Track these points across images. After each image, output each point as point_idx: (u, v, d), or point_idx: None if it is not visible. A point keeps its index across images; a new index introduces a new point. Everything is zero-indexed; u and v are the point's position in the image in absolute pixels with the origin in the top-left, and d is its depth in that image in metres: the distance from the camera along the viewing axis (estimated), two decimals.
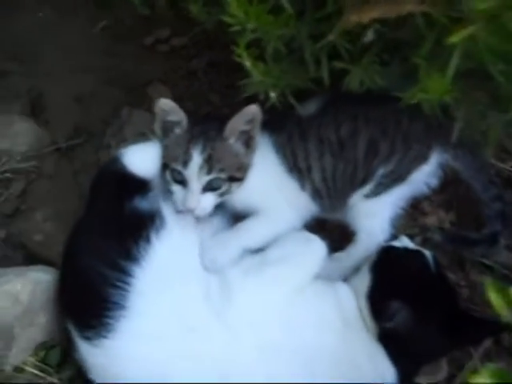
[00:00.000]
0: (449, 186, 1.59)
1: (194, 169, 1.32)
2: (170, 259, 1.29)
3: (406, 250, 1.38)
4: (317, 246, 1.36)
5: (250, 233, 1.39)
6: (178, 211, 1.36)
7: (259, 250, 1.38)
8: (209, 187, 1.34)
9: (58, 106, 1.83)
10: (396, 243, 1.41)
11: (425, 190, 1.47)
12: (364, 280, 1.34)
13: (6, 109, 1.78)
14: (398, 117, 1.40)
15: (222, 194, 1.36)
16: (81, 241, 1.35)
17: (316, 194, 1.44)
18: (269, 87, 1.27)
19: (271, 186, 1.42)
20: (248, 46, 1.24)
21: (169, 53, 1.90)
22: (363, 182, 1.42)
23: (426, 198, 1.59)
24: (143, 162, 1.41)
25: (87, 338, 1.24)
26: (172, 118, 1.38)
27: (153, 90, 1.81)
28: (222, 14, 1.34)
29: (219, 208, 1.41)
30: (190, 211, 1.34)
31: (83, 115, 1.81)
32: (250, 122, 1.34)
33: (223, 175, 1.34)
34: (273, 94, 1.29)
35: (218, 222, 1.42)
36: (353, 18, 1.07)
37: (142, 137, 1.62)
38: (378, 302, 1.29)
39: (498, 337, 1.42)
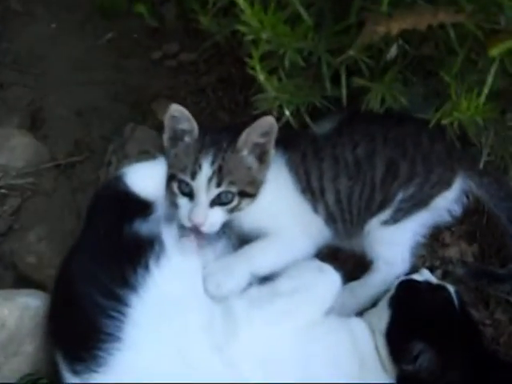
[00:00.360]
0: (472, 216, 1.51)
1: (203, 180, 1.25)
2: (170, 288, 1.19)
3: (428, 284, 1.29)
4: (331, 277, 1.26)
5: (259, 257, 1.30)
6: (183, 229, 1.28)
7: (267, 280, 1.27)
8: (218, 201, 1.27)
9: (59, 121, 1.75)
10: (417, 276, 1.30)
11: (447, 217, 1.39)
12: (382, 316, 1.24)
13: (4, 121, 1.71)
14: (419, 138, 1.33)
15: (231, 210, 1.29)
16: (75, 265, 1.25)
17: (330, 218, 1.35)
18: (283, 103, 1.18)
19: (283, 207, 1.34)
20: (262, 59, 1.16)
21: (177, 68, 1.82)
22: (381, 207, 1.33)
23: (447, 228, 1.50)
24: (147, 182, 1.33)
25: (76, 372, 1.14)
26: (183, 126, 1.31)
27: (158, 106, 1.73)
28: (234, 24, 1.27)
29: (224, 232, 1.32)
30: (196, 226, 1.26)
31: (85, 131, 1.73)
32: (266, 134, 1.27)
33: (234, 189, 1.27)
34: (287, 112, 1.20)
35: (222, 246, 1.32)
36: (380, 29, 0.98)
37: (145, 155, 1.54)
38: (398, 342, 1.19)
39: None
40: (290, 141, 1.36)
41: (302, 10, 1.07)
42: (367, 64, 1.18)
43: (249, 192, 1.29)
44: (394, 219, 1.33)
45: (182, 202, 1.29)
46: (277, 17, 1.01)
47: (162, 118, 1.70)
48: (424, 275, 1.31)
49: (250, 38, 1.03)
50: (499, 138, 1.30)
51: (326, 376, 1.15)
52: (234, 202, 1.28)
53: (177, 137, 1.32)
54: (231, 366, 1.12)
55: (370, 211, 1.34)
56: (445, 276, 1.44)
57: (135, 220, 1.25)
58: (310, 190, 1.34)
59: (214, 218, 1.27)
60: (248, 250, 1.31)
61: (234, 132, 1.29)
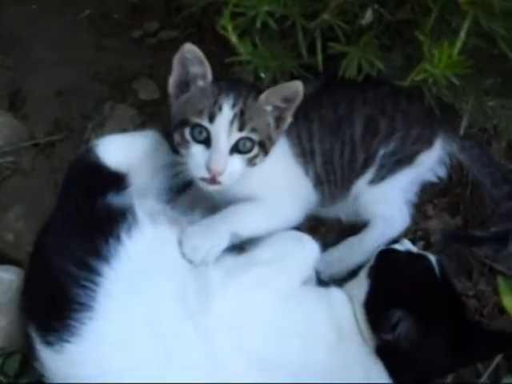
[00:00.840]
0: (455, 188, 1.50)
1: (224, 124, 1.16)
2: (142, 259, 1.16)
3: (408, 253, 1.26)
4: (309, 246, 1.24)
5: (244, 217, 1.26)
6: (158, 201, 1.25)
7: (243, 250, 1.24)
8: (237, 149, 1.19)
9: (39, 101, 1.73)
10: (397, 246, 1.28)
11: (433, 178, 1.40)
12: (361, 286, 1.22)
13: None
14: (397, 98, 1.33)
15: (249, 161, 1.21)
16: (48, 237, 1.23)
17: (317, 181, 1.34)
18: (259, 67, 1.16)
19: (279, 173, 1.31)
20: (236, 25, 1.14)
21: (157, 46, 1.80)
22: (364, 166, 1.33)
23: (430, 200, 1.49)
24: (119, 154, 1.29)
25: (49, 343, 1.11)
26: (195, 69, 1.22)
27: (138, 85, 1.72)
28: None
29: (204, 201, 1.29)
30: (214, 176, 1.17)
31: (64, 110, 1.71)
32: (288, 100, 1.20)
33: (255, 136, 1.19)
34: (263, 75, 1.18)
35: (198, 216, 1.29)
36: None
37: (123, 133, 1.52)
38: (377, 311, 1.17)
39: (509, 352, 1.28)
40: None
41: None
42: (343, 29, 1.17)
43: (267, 146, 1.22)
44: (379, 177, 1.33)
45: (197, 150, 1.19)
46: None
47: (143, 96, 1.71)
48: (405, 245, 1.29)
49: None
50: (480, 108, 1.29)
51: (302, 345, 1.13)
52: (254, 152, 1.20)
53: (188, 80, 1.23)
54: (205, 334, 1.09)
55: (354, 171, 1.34)
56: (427, 247, 1.42)
57: (107, 192, 1.22)
58: (303, 152, 1.32)
59: (234, 167, 1.19)
60: (232, 210, 1.26)
61: (250, 87, 1.24)
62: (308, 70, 1.27)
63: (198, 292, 1.14)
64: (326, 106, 1.33)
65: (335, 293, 1.24)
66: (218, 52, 1.70)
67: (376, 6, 1.17)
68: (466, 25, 0.93)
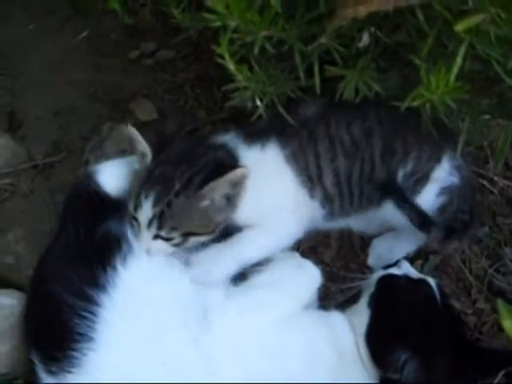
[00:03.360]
0: None
1: (143, 219, 1.15)
2: (140, 287, 1.16)
3: (408, 280, 1.25)
4: (310, 272, 1.24)
5: (247, 244, 1.25)
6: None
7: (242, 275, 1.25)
8: (159, 237, 1.17)
9: (37, 122, 1.73)
10: (395, 270, 1.28)
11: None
12: (362, 315, 1.21)
13: None
14: (405, 116, 1.26)
15: (176, 245, 1.19)
16: (48, 265, 1.24)
17: (327, 200, 1.31)
18: (256, 94, 1.17)
19: (280, 202, 1.29)
20: (233, 52, 1.15)
21: (154, 67, 1.81)
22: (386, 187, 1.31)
23: None
24: (118, 181, 1.29)
25: (52, 373, 1.11)
26: (139, 147, 1.20)
27: (136, 105, 1.72)
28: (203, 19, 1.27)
29: None
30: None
31: (63, 131, 1.71)
32: (236, 184, 1.16)
33: (175, 234, 1.16)
34: (259, 103, 1.18)
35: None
36: (348, 13, 0.97)
37: (122, 154, 1.52)
38: (380, 347, 1.16)
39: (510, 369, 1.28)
40: (283, 130, 1.29)
41: None
42: (340, 52, 1.18)
43: (198, 233, 1.18)
44: None
45: (134, 222, 1.19)
46: (244, 3, 1.00)
47: (141, 117, 1.72)
48: (403, 268, 1.29)
49: (217, 24, 1.02)
50: (476, 126, 1.30)
51: (302, 369, 1.13)
52: (175, 241, 1.17)
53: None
54: (206, 357, 1.10)
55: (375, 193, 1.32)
56: (423, 263, 1.42)
57: (106, 219, 1.22)
58: (309, 176, 1.29)
59: (158, 248, 1.18)
60: (237, 237, 1.26)
61: (202, 163, 1.18)
62: (305, 92, 1.27)
63: (199, 315, 1.14)
64: (336, 126, 1.30)
65: (336, 317, 1.23)
66: (215, 72, 1.72)
67: (373, 29, 1.18)
68: (462, 50, 0.94)
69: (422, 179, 1.32)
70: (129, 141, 1.24)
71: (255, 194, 1.23)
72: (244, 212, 1.25)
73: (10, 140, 1.66)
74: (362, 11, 0.98)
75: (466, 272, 1.45)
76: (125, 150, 1.57)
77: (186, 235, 1.17)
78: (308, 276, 1.24)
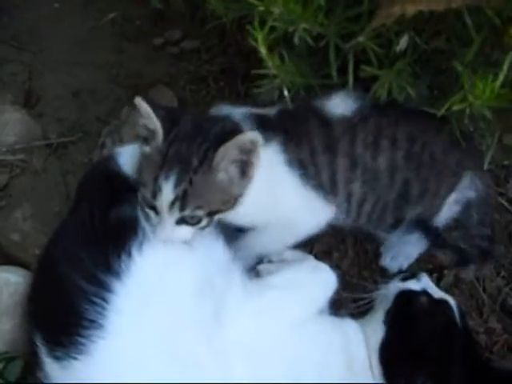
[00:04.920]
0: None
1: (165, 204, 1.08)
2: (154, 276, 1.11)
3: (428, 299, 1.21)
4: (326, 276, 1.22)
5: (263, 241, 1.25)
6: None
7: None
8: (184, 221, 1.12)
9: (55, 100, 1.71)
10: (415, 285, 1.24)
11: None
12: (377, 329, 1.19)
13: None
14: (433, 149, 1.23)
15: (201, 228, 1.14)
16: (60, 246, 1.19)
17: (340, 207, 1.26)
18: (285, 83, 1.14)
19: (289, 200, 1.23)
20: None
21: (178, 55, 1.78)
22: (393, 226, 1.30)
23: None
24: None
25: (56, 358, 1.07)
26: (149, 124, 1.11)
27: (156, 92, 1.69)
28: (241, 9, 1.24)
29: None
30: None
31: (80, 112, 1.69)
32: (247, 151, 1.09)
33: (200, 212, 1.10)
34: (286, 93, 1.15)
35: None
36: (395, 10, 0.95)
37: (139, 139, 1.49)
38: (394, 366, 1.14)
39: None
40: (292, 132, 1.21)
41: None
42: (376, 53, 1.16)
43: (221, 210, 1.13)
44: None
45: (150, 212, 1.13)
46: None
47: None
48: (423, 282, 1.24)
49: (259, 9, 0.99)
50: (501, 144, 1.28)
51: (312, 374, 1.10)
52: (203, 223, 1.13)
53: (147, 135, 1.14)
54: (218, 355, 1.06)
55: (382, 224, 1.29)
56: (440, 278, 1.40)
57: (123, 203, 1.18)
58: (320, 185, 1.22)
59: (181, 235, 1.13)
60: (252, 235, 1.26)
61: (210, 136, 1.10)
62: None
63: (214, 313, 1.10)
64: (363, 149, 1.20)
65: (351, 326, 1.21)
66: (239, 65, 1.70)
67: (412, 34, 1.16)
68: (508, 59, 0.92)
69: (430, 216, 1.29)
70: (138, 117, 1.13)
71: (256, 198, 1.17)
72: (246, 216, 1.21)
73: (26, 115, 1.64)
74: (410, 9, 0.95)
75: (480, 290, 1.42)
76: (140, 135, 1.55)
77: (210, 214, 1.12)
78: (324, 280, 1.22)
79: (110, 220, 1.16)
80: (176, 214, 1.10)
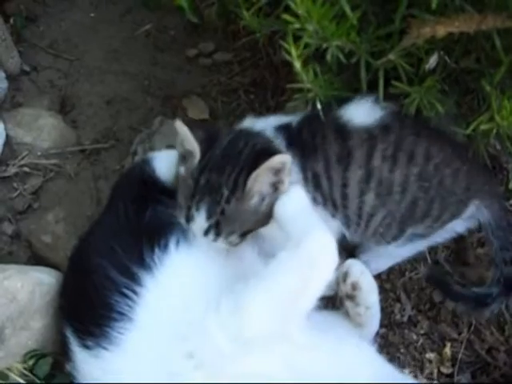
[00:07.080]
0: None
1: (198, 230, 1.12)
2: (187, 274, 1.14)
3: None
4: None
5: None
6: None
7: None
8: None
9: (89, 108, 1.76)
10: None
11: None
12: None
13: (35, 102, 1.72)
14: (444, 173, 1.20)
15: (234, 245, 1.16)
16: (94, 238, 1.23)
17: (346, 223, 1.25)
18: (318, 97, 1.16)
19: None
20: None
21: (210, 67, 1.82)
22: (394, 239, 1.27)
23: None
24: (173, 171, 1.27)
25: (86, 347, 1.10)
26: (187, 145, 1.14)
27: (188, 103, 1.73)
28: (275, 24, 1.28)
29: None
30: None
31: (113, 120, 1.73)
32: (278, 172, 1.10)
33: (234, 237, 1.13)
34: (319, 105, 1.18)
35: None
36: (426, 31, 0.97)
37: (170, 149, 1.53)
38: None
39: None
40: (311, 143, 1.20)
41: (347, 8, 1.07)
42: (406, 71, 1.18)
43: (254, 228, 1.16)
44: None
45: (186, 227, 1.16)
46: (324, 10, 1.01)
47: (192, 115, 1.73)
48: None
49: (295, 27, 1.02)
50: None
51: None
52: (236, 241, 1.15)
53: (185, 155, 1.16)
54: (245, 354, 1.03)
55: (385, 239, 1.27)
56: None
57: (158, 204, 1.21)
58: (332, 201, 1.21)
59: (215, 247, 1.16)
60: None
61: (242, 160, 1.11)
62: None
63: (233, 311, 1.10)
64: (381, 160, 1.18)
65: None
66: (270, 78, 1.73)
67: (441, 53, 1.18)
68: None
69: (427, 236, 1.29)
70: (177, 138, 1.17)
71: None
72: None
73: (61, 121, 1.69)
74: (441, 31, 0.98)
75: (502, 307, 1.42)
76: (172, 145, 1.58)
77: (244, 234, 1.15)
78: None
79: (145, 216, 1.19)
80: (210, 238, 1.13)
